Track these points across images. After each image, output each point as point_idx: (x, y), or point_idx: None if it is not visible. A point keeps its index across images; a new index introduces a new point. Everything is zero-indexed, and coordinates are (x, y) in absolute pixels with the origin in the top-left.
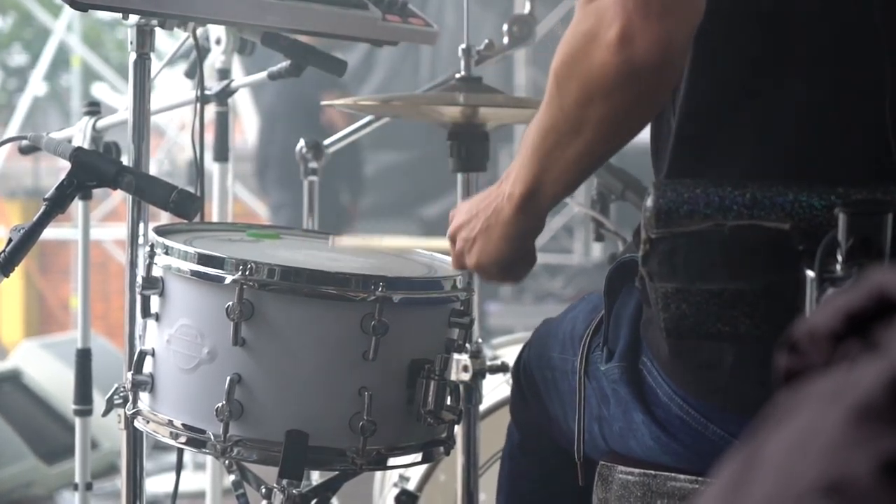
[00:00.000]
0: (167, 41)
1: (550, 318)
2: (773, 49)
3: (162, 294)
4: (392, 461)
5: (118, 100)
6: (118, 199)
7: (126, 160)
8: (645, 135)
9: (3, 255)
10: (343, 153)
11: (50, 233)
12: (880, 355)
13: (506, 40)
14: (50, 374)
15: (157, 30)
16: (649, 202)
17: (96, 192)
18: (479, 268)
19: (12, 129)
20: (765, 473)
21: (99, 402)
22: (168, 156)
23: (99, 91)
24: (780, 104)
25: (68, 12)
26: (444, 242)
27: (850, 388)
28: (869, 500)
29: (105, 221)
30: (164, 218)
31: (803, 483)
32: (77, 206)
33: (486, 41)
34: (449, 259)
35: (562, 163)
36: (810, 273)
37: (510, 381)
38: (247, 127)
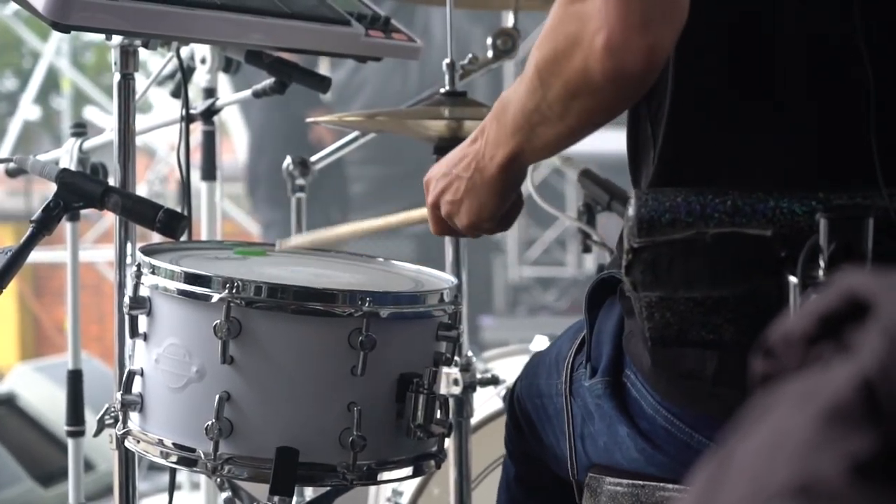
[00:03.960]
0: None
1: (539, 351)
2: (751, 57)
3: (149, 314)
4: (383, 476)
5: (109, 121)
6: (110, 220)
7: (113, 181)
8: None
9: None
10: (330, 170)
11: (43, 256)
12: (851, 357)
13: (490, 54)
14: (44, 396)
15: (150, 51)
16: (631, 211)
17: (90, 214)
18: (472, 226)
19: (3, 154)
20: (737, 476)
21: (92, 423)
22: (158, 176)
23: (90, 114)
24: (759, 111)
25: (57, 35)
26: (417, 213)
27: (821, 389)
28: (839, 500)
29: (98, 243)
30: (155, 239)
31: (774, 484)
32: (67, 227)
33: (470, 55)
34: (436, 272)
35: (544, 138)
36: (793, 279)
37: (501, 394)
38: (237, 146)
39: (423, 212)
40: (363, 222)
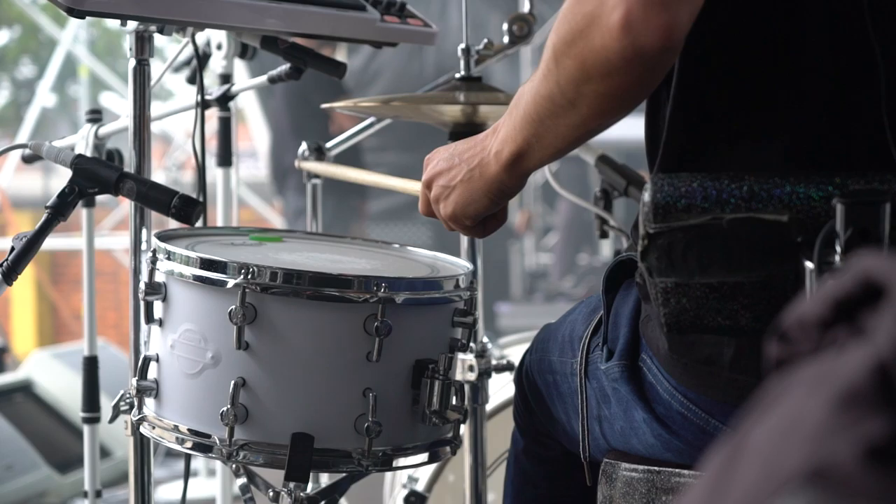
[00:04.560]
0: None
1: (550, 323)
2: (768, 42)
3: (165, 299)
4: (398, 462)
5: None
6: (128, 207)
7: (128, 167)
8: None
9: (6, 263)
10: (350, 157)
11: (60, 243)
12: (866, 341)
13: (506, 39)
14: (61, 383)
15: (166, 38)
16: (647, 197)
17: (106, 202)
18: (452, 217)
19: (20, 140)
20: (750, 461)
21: (108, 410)
22: (175, 163)
23: (107, 100)
24: (775, 97)
25: (75, 23)
26: (415, 185)
27: (836, 373)
28: (853, 485)
29: (115, 230)
30: (171, 225)
31: (788, 469)
32: (83, 214)
33: (486, 41)
34: (451, 259)
35: (554, 131)
36: (809, 264)
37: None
38: (254, 133)
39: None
40: (372, 174)
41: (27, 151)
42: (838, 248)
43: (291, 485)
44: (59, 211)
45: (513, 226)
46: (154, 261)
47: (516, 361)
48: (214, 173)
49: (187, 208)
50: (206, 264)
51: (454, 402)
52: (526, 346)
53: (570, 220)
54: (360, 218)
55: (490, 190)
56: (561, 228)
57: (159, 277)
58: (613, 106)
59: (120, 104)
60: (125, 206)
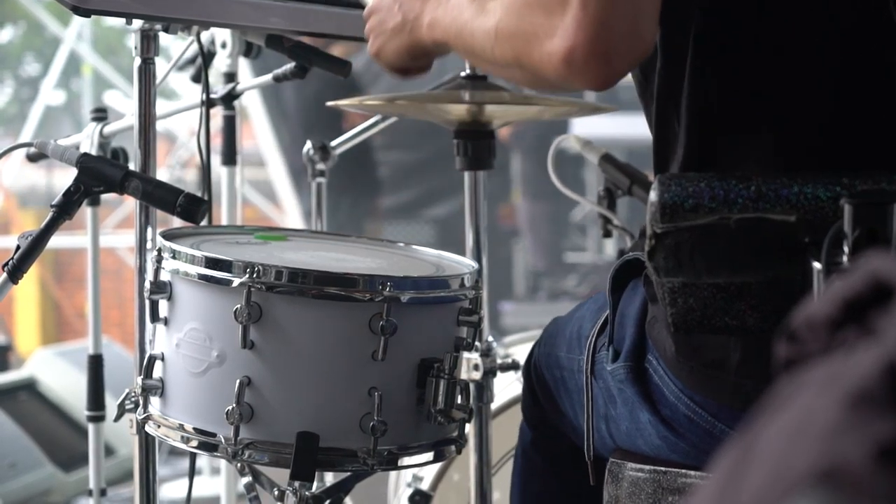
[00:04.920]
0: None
1: (559, 317)
2: (777, 43)
3: (170, 298)
4: (403, 461)
5: (130, 106)
6: (130, 206)
7: (133, 165)
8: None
9: (11, 262)
10: (359, 155)
11: (64, 241)
12: (876, 341)
13: None
14: (65, 381)
15: (171, 36)
16: (654, 196)
17: (110, 200)
18: (375, 55)
19: (24, 139)
20: (760, 462)
21: (112, 408)
22: (179, 161)
23: (111, 98)
24: (785, 98)
25: (78, 20)
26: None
27: (846, 374)
28: (864, 485)
29: (119, 229)
30: (176, 224)
31: (798, 470)
32: (87, 212)
33: None
34: (456, 257)
35: (478, 62)
36: (817, 265)
37: (521, 379)
38: (257, 131)
39: None
40: None
41: (32, 150)
42: (846, 249)
43: (296, 484)
44: (64, 209)
45: (516, 225)
46: (159, 259)
47: (521, 360)
48: (219, 172)
49: (193, 207)
50: (212, 263)
51: (459, 401)
52: (531, 345)
53: (533, 220)
54: (376, 217)
55: (413, 47)
56: (526, 231)
57: (164, 276)
58: (535, 87)
59: (124, 102)
60: (128, 204)
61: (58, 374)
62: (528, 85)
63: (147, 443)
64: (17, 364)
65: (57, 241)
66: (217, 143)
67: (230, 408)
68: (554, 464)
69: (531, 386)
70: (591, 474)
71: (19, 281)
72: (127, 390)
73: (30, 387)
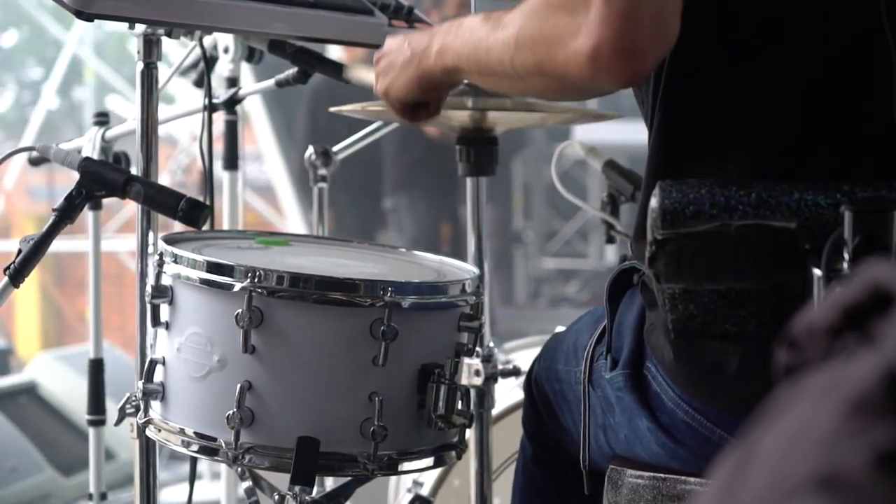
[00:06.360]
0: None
1: (559, 332)
2: (773, 46)
3: (171, 303)
4: (404, 466)
5: (132, 111)
6: (132, 210)
7: (135, 170)
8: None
9: (13, 266)
10: (366, 159)
11: (65, 245)
12: (876, 348)
13: None
14: (65, 385)
15: (172, 41)
16: (654, 203)
17: (112, 204)
18: (384, 94)
19: (26, 143)
20: (759, 468)
21: (113, 413)
22: (180, 166)
23: (113, 103)
24: (782, 102)
25: (81, 25)
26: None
27: (846, 381)
28: (863, 492)
29: (120, 233)
30: (177, 228)
31: (798, 477)
32: (89, 216)
33: None
34: (458, 263)
35: (493, 80)
36: (817, 272)
37: (522, 385)
38: (259, 136)
39: None
40: None
41: (34, 154)
42: (846, 256)
43: (297, 488)
44: (66, 214)
45: (517, 230)
46: (161, 264)
47: (522, 366)
48: (221, 177)
49: (194, 212)
50: (213, 268)
51: (460, 406)
52: (532, 350)
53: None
54: (384, 224)
55: (421, 78)
56: (490, 237)
57: (166, 280)
58: (557, 98)
59: (125, 107)
60: (129, 208)
61: (58, 377)
62: (547, 94)
63: (147, 447)
64: (18, 368)
65: (58, 245)
66: (219, 147)
67: (231, 412)
68: (555, 478)
69: (532, 400)
70: (585, 483)
71: (20, 285)
72: (128, 394)
73: (30, 391)
